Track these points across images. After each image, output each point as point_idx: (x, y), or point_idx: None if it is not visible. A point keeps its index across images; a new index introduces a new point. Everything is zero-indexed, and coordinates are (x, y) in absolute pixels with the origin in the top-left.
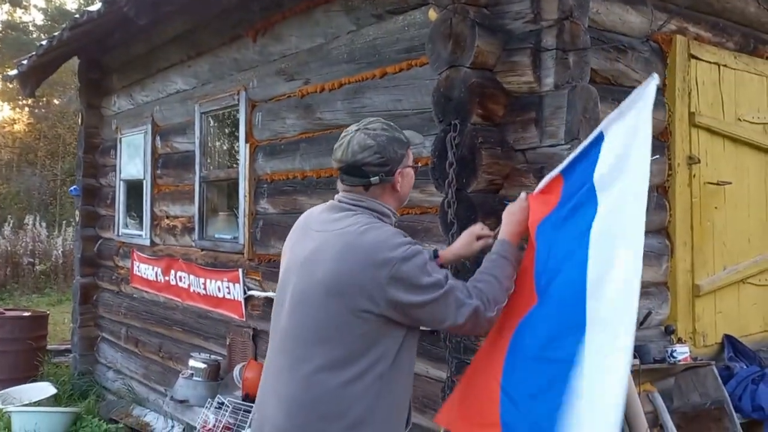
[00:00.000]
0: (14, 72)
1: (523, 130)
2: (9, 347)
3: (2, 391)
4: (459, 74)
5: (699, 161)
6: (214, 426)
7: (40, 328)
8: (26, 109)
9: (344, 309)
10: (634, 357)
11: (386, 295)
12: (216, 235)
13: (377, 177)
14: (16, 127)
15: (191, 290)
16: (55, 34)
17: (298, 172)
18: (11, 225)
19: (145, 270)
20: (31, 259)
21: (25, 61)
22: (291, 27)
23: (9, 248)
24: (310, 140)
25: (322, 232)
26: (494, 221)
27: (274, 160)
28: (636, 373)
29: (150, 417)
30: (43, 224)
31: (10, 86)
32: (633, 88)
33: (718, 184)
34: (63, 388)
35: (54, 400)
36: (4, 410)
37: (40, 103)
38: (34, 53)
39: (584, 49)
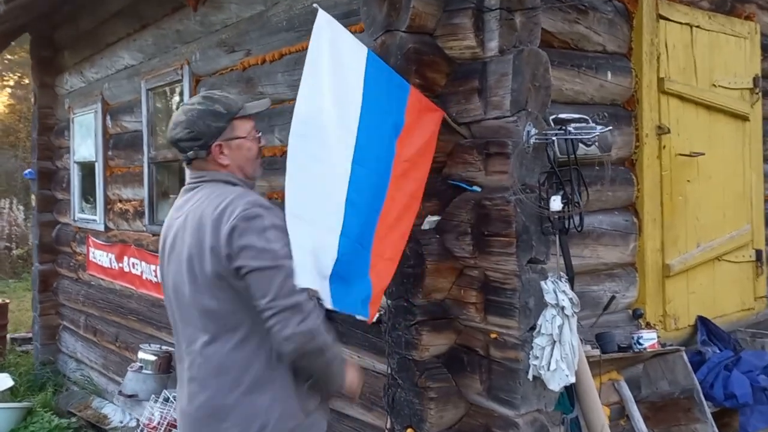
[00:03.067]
0: None
1: (467, 101)
2: None
3: None
4: (394, 40)
5: (669, 131)
6: (158, 423)
7: (2, 318)
8: (6, 90)
9: (209, 278)
10: (595, 346)
11: (225, 252)
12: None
13: (192, 152)
14: None
15: (143, 277)
16: None
17: None
18: None
19: (100, 256)
20: (8, 244)
21: None
22: None
23: None
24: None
25: (180, 216)
26: (436, 203)
27: None
28: (597, 363)
29: (108, 409)
30: (21, 208)
31: None
32: (596, 52)
33: (690, 155)
34: (22, 380)
35: (10, 393)
36: None
37: (21, 84)
38: None
39: (533, 9)
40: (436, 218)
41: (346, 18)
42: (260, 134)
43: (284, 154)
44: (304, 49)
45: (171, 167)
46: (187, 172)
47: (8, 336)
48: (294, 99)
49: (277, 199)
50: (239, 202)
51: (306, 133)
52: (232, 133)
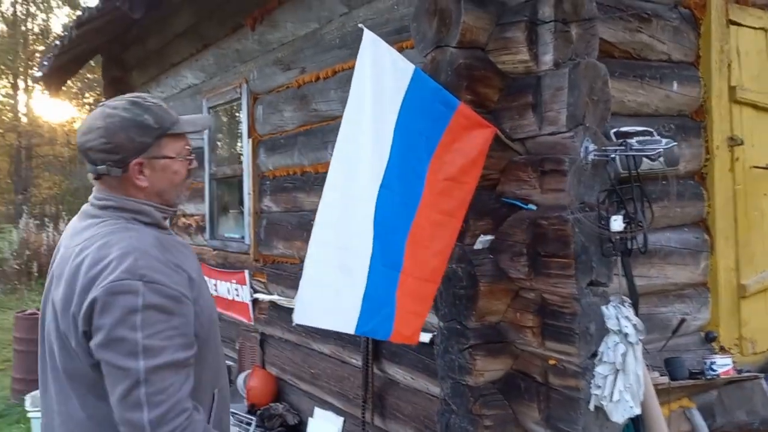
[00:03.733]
0: (38, 74)
1: (520, 117)
2: (28, 347)
3: (30, 394)
4: (445, 55)
5: (742, 142)
6: None
7: None
8: (86, 107)
9: (71, 342)
10: (664, 372)
11: (82, 328)
12: (226, 235)
13: (104, 167)
14: (76, 125)
15: None
16: (65, 33)
17: (297, 167)
18: (66, 221)
19: None
20: None
21: (45, 63)
22: (286, 12)
23: None
24: (308, 133)
25: (66, 249)
26: (489, 222)
27: (275, 155)
28: (666, 391)
29: None
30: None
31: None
32: (660, 61)
33: (766, 168)
34: None
35: None
36: (29, 413)
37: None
38: (51, 54)
39: (589, 20)
40: (489, 238)
41: (398, 34)
42: (193, 156)
43: None
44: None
45: (230, 183)
46: (94, 189)
47: None
48: None
49: None
50: (116, 265)
51: (343, 156)
52: (159, 152)
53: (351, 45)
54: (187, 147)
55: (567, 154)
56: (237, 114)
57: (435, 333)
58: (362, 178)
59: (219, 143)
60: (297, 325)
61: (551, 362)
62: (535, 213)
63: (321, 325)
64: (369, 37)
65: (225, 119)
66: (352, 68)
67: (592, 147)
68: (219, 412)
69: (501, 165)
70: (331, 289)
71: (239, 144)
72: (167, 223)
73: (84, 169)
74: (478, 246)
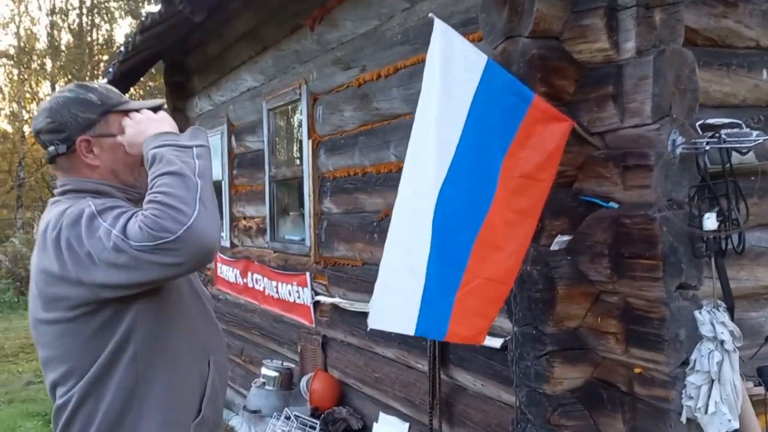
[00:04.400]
0: (103, 81)
1: (599, 109)
2: None
3: None
4: (517, 46)
5: None
6: None
7: None
8: None
9: (55, 317)
10: (757, 382)
11: (74, 276)
12: (286, 237)
13: (53, 147)
14: None
15: (266, 293)
16: (129, 40)
17: (359, 168)
18: None
19: (227, 272)
20: None
21: (111, 69)
22: (345, 11)
23: None
24: (369, 133)
25: (38, 239)
26: (566, 221)
27: (336, 156)
28: (762, 402)
29: (235, 421)
30: None
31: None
32: (748, 48)
33: None
34: None
35: None
36: None
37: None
38: (116, 60)
39: (674, 4)
40: (566, 238)
41: (464, 27)
42: None
43: (399, 170)
44: (420, 62)
45: (291, 185)
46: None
47: None
48: (409, 113)
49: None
50: (65, 212)
51: (413, 153)
52: (106, 129)
53: (413, 41)
54: None
55: (653, 148)
56: (297, 115)
57: (507, 338)
58: (426, 175)
59: (278, 145)
60: (360, 328)
61: (637, 371)
62: (617, 211)
63: (392, 329)
64: (440, 27)
65: (284, 121)
66: (414, 65)
67: (680, 140)
68: (216, 384)
69: (578, 161)
70: (399, 291)
71: (299, 146)
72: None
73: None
74: (554, 247)
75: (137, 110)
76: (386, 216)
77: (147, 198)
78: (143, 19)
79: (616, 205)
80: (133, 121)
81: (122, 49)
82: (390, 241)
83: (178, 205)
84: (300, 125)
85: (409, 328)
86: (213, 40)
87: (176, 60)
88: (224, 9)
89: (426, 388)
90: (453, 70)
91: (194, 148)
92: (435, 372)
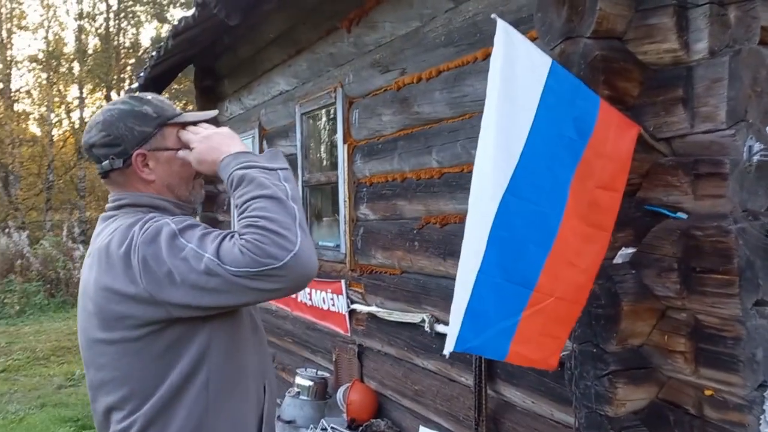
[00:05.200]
0: (135, 85)
1: (667, 113)
2: None
3: None
4: (577, 47)
5: None
6: None
7: None
8: None
9: (118, 337)
10: None
11: (145, 294)
12: (320, 243)
13: (107, 161)
14: None
15: (299, 300)
16: (161, 44)
17: (397, 173)
18: None
19: None
20: None
21: (142, 74)
22: (384, 12)
23: None
24: (408, 137)
25: (90, 256)
26: (630, 233)
27: (373, 161)
28: None
29: None
30: None
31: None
32: None
33: None
34: None
35: None
36: None
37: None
38: (147, 65)
39: (750, 0)
40: (631, 251)
41: (517, 27)
42: None
43: (442, 176)
44: (465, 65)
45: (325, 190)
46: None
47: None
48: (453, 118)
49: (434, 224)
50: (140, 229)
51: (477, 162)
52: (162, 143)
53: (458, 42)
54: None
55: (727, 155)
56: (331, 119)
57: (563, 355)
58: (484, 185)
59: (312, 150)
60: (398, 338)
61: (707, 393)
62: (687, 222)
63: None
64: (502, 27)
65: (318, 125)
66: (459, 67)
67: (757, 146)
68: (270, 407)
69: (643, 168)
70: (455, 307)
71: (333, 150)
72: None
73: None
74: (618, 260)
75: (194, 123)
76: (427, 224)
77: (243, 222)
78: (176, 23)
79: (685, 216)
80: (200, 136)
81: (153, 53)
82: (461, 256)
83: (282, 231)
84: (334, 129)
85: (449, 343)
86: (244, 44)
87: (206, 64)
88: (259, 12)
89: (470, 403)
90: (517, 73)
91: (279, 171)
92: (481, 387)
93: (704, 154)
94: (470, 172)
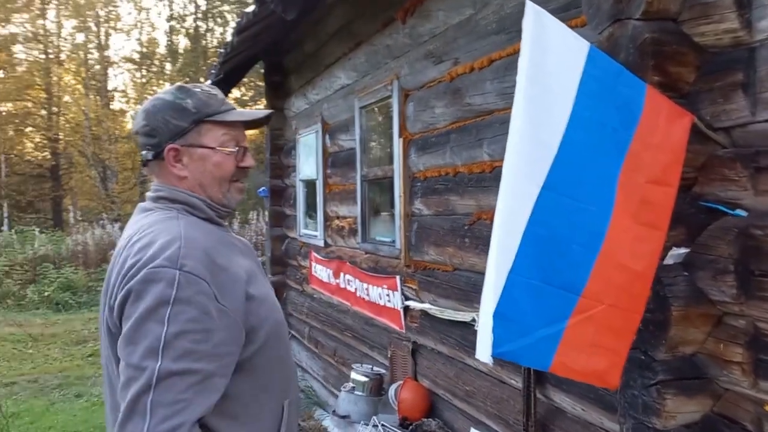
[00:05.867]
0: (208, 82)
1: (725, 100)
2: None
3: None
4: (626, 30)
5: None
6: None
7: None
8: None
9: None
10: None
11: (116, 320)
12: (377, 238)
13: (145, 151)
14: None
15: (357, 295)
16: (228, 41)
17: (449, 167)
18: (239, 220)
19: (320, 271)
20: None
21: (213, 71)
22: (438, 0)
23: None
24: (460, 130)
25: (120, 244)
26: (682, 231)
27: (426, 154)
28: None
29: (328, 422)
30: (266, 218)
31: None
32: None
33: None
34: None
35: None
36: None
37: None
38: (217, 62)
39: None
40: (683, 251)
41: (565, 11)
42: (238, 151)
43: (493, 170)
44: (516, 53)
45: (383, 184)
46: None
47: None
48: (504, 109)
49: (485, 220)
50: (158, 252)
51: (508, 155)
52: (197, 139)
53: (510, 29)
54: (238, 141)
55: None
56: (388, 113)
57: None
58: (517, 179)
59: (370, 144)
60: (450, 336)
61: (767, 408)
62: (747, 220)
63: (482, 358)
64: (532, 11)
65: (376, 119)
66: (510, 56)
67: None
68: (289, 428)
69: (698, 161)
70: (484, 312)
71: (390, 144)
72: (223, 222)
73: (254, 171)
74: (669, 261)
75: (242, 122)
76: (478, 219)
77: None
78: (239, 20)
79: (744, 213)
80: None
81: (221, 50)
82: (489, 258)
83: None
84: (391, 123)
85: (483, 350)
86: (309, 39)
87: (274, 60)
88: (316, 6)
89: (520, 407)
90: (550, 61)
91: None
92: (530, 391)
93: (766, 145)
94: None
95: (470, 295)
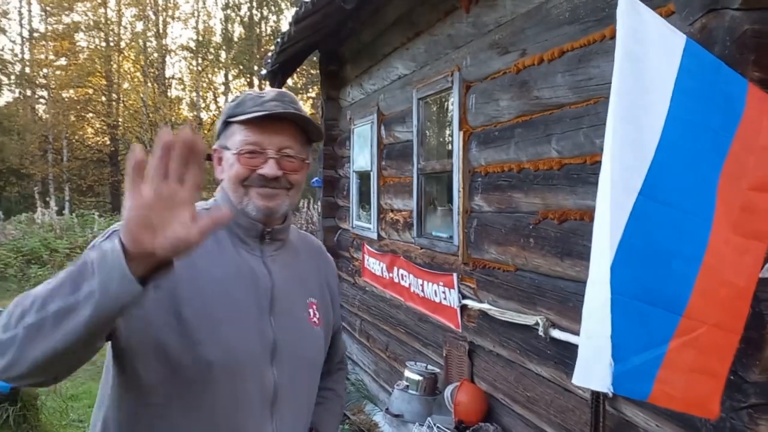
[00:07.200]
0: (263, 72)
1: None
2: None
3: None
4: (722, 21)
5: None
6: None
7: None
8: (309, 101)
9: None
10: None
11: None
12: (433, 233)
13: None
14: None
15: (411, 290)
16: (284, 31)
17: (514, 163)
18: None
19: (373, 264)
20: None
21: (269, 61)
22: None
23: None
24: (527, 124)
25: None
26: None
27: (488, 149)
28: None
29: (378, 417)
30: (316, 207)
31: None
32: None
33: None
34: None
35: None
36: None
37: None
38: (273, 51)
39: None
40: None
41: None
42: (246, 153)
43: (562, 167)
44: (591, 44)
45: (440, 178)
46: None
47: None
48: (575, 103)
49: (552, 219)
50: None
51: (605, 159)
52: (224, 141)
53: (584, 19)
54: (262, 145)
55: None
56: (448, 105)
57: None
58: (613, 185)
59: (428, 137)
60: (510, 339)
61: None
62: None
63: (594, 386)
64: (626, 1)
65: (435, 111)
66: (583, 47)
67: None
68: None
69: None
70: (590, 336)
71: (449, 137)
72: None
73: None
74: (764, 274)
75: (270, 124)
76: (544, 219)
77: None
78: (297, 9)
79: None
80: None
81: (278, 40)
82: (590, 274)
83: None
84: (451, 116)
85: (604, 383)
86: (366, 28)
87: (331, 49)
88: None
89: (586, 418)
90: (646, 54)
91: None
92: (599, 402)
93: None
94: (594, 164)
95: (534, 297)
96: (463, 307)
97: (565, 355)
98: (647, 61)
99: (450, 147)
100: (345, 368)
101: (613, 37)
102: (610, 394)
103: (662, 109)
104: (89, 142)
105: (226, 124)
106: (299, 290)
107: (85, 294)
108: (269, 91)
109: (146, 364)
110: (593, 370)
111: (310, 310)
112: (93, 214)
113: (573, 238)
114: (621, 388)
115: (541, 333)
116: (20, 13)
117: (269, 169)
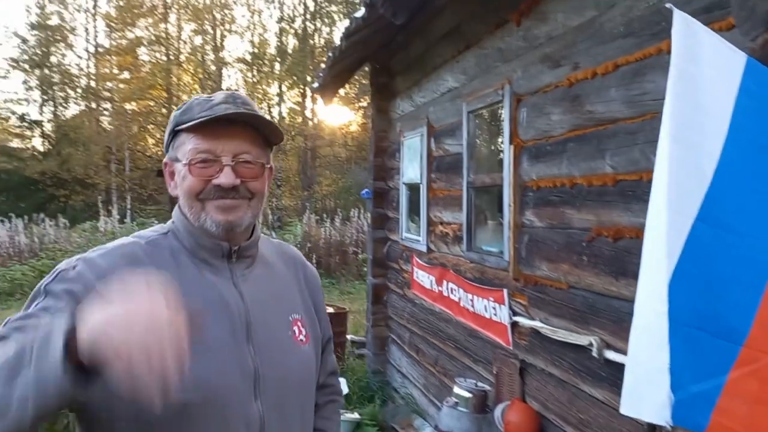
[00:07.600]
0: (315, 85)
1: None
2: None
3: None
4: None
5: None
6: None
7: (340, 324)
8: (361, 110)
9: None
10: None
11: None
12: (483, 247)
13: None
14: (352, 127)
15: (461, 305)
16: (336, 45)
17: (566, 178)
18: (341, 217)
19: (422, 277)
20: (356, 249)
21: (321, 74)
22: (556, 2)
23: (339, 238)
24: (579, 139)
25: None
26: None
27: (540, 163)
28: None
29: (427, 431)
30: (366, 216)
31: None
32: None
33: None
34: (355, 387)
35: (345, 400)
36: None
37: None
38: (325, 66)
39: None
40: None
41: (707, 13)
42: (197, 162)
43: (617, 183)
44: (646, 58)
45: (490, 192)
46: None
47: (348, 337)
48: (630, 118)
49: (606, 237)
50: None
51: (657, 179)
52: (174, 152)
53: (639, 33)
54: (215, 153)
55: None
56: (498, 118)
57: None
58: (669, 209)
59: (478, 150)
60: (562, 359)
61: None
62: None
63: (647, 418)
64: (681, 20)
65: (485, 124)
66: (639, 61)
67: None
68: None
69: None
70: (644, 364)
71: (499, 151)
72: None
73: (356, 169)
74: None
75: (218, 128)
76: (598, 236)
77: None
78: (348, 24)
79: None
80: None
81: (329, 54)
82: (637, 299)
83: None
84: (501, 129)
85: (662, 415)
86: (416, 41)
87: (381, 62)
88: (426, 9)
89: None
90: (702, 74)
91: None
92: (656, 427)
93: None
94: (650, 180)
95: (587, 316)
96: (514, 324)
97: (620, 378)
98: (702, 81)
99: (500, 160)
100: (337, 374)
101: (668, 51)
102: (669, 428)
103: (721, 131)
104: (150, 153)
105: (174, 133)
106: (278, 309)
107: (18, 397)
108: (218, 93)
109: (112, 414)
110: (645, 400)
111: (295, 328)
112: (153, 221)
113: (628, 257)
114: (676, 418)
115: (595, 354)
116: (86, 30)
117: (225, 177)
